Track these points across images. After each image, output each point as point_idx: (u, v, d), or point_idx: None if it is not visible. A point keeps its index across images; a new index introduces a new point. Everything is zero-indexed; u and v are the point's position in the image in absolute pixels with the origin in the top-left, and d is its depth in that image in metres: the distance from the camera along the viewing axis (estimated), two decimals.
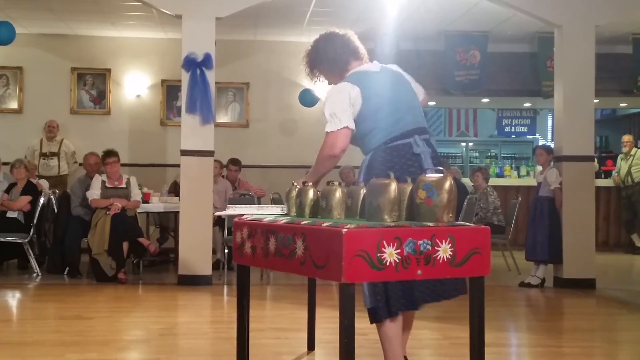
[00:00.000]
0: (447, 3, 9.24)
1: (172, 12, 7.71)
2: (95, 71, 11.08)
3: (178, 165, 7.81)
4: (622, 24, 9.90)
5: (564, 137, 7.74)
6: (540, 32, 10.64)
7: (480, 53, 11.09)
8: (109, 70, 11.08)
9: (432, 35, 10.84)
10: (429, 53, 11.10)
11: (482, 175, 9.22)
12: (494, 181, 10.74)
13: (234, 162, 9.62)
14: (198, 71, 7.52)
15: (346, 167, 9.34)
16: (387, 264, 2.83)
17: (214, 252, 8.22)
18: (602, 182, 11.63)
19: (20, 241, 8.08)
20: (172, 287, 7.45)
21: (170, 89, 11.06)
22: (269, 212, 4.03)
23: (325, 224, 2.96)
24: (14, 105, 11.00)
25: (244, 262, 3.66)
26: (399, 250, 2.84)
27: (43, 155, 10.28)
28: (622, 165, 11.50)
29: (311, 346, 4.39)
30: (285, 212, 3.78)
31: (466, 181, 9.98)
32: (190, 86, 7.53)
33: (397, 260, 2.84)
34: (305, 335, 4.42)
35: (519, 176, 13.14)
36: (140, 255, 8.04)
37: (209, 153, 7.60)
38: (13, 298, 7.00)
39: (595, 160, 11.37)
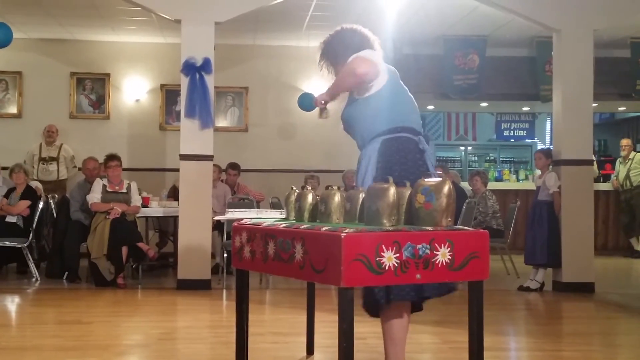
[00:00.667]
0: (446, 7, 9.26)
1: (171, 17, 7.72)
2: (95, 76, 11.09)
3: (177, 170, 7.81)
4: (620, 28, 9.92)
5: (563, 141, 7.74)
6: (538, 37, 10.66)
7: (479, 57, 11.11)
8: (108, 75, 11.09)
9: (430, 40, 10.86)
10: (428, 57, 11.12)
11: (481, 180, 9.22)
12: (492, 185, 10.75)
13: (233, 166, 9.62)
14: (197, 76, 7.53)
15: (350, 171, 9.34)
16: (386, 268, 2.83)
17: (213, 256, 8.23)
18: (601, 186, 11.63)
19: (19, 246, 8.07)
20: (171, 291, 7.45)
21: (169, 94, 11.07)
22: (268, 217, 4.04)
23: (324, 228, 2.96)
24: (13, 110, 11.00)
25: (243, 266, 3.66)
26: (397, 255, 2.85)
27: (42, 160, 10.29)
28: (620, 169, 11.51)
29: (310, 350, 4.39)
30: (284, 217, 3.79)
31: (465, 185, 9.98)
32: (189, 91, 7.54)
33: (396, 265, 2.85)
34: (304, 339, 4.42)
35: (518, 180, 13.15)
36: (139, 259, 8.03)
37: (208, 157, 7.60)
38: (12, 303, 7.00)
39: (596, 165, 11.40)
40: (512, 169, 15.04)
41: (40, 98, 10.95)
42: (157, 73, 11.12)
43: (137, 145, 11.01)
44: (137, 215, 8.17)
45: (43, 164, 10.26)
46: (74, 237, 8.04)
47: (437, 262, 2.93)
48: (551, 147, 10.76)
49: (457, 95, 11.35)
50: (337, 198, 3.31)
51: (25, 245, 8.07)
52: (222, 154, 9.36)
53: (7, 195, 8.40)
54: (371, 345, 4.71)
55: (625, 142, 11.62)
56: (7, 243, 8.08)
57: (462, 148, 16.92)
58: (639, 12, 8.27)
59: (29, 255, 8.14)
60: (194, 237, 7.51)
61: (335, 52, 3.77)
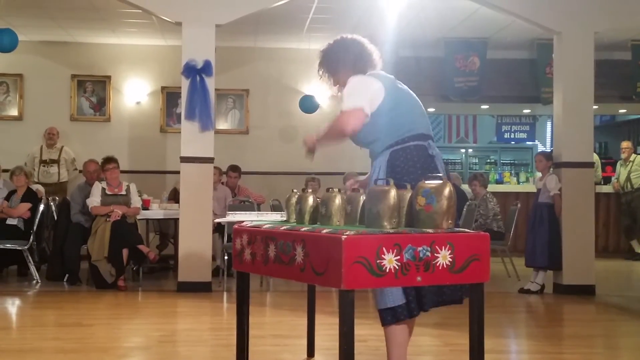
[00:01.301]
0: (447, 10, 9.26)
1: (172, 20, 7.72)
2: (95, 78, 11.10)
3: (178, 172, 7.81)
4: (621, 30, 9.92)
5: (564, 143, 7.74)
6: (539, 39, 10.67)
7: (480, 60, 11.11)
8: (109, 77, 11.10)
9: (431, 42, 10.87)
10: (429, 60, 11.13)
11: (480, 183, 9.22)
12: (493, 187, 10.75)
13: (234, 168, 9.62)
14: (198, 78, 7.53)
15: (350, 174, 9.32)
16: (387, 270, 2.83)
17: (214, 258, 8.22)
18: (602, 188, 11.64)
19: (20, 248, 8.08)
20: (171, 294, 7.45)
21: (170, 96, 11.08)
22: (268, 219, 4.04)
23: (324, 231, 2.96)
24: (14, 112, 11.01)
25: (243, 268, 3.66)
26: (398, 257, 2.85)
27: (43, 162, 10.29)
28: (621, 171, 11.51)
29: (311, 353, 4.39)
30: (284, 219, 3.79)
31: (466, 188, 9.98)
32: (189, 93, 7.54)
33: (397, 267, 2.85)
34: (305, 342, 4.42)
35: (519, 182, 13.15)
36: (139, 262, 8.03)
37: (209, 160, 7.60)
38: (12, 305, 7.00)
39: (600, 167, 11.40)
40: (512, 172, 15.04)
41: (41, 100, 10.96)
42: (158, 75, 11.13)
43: (137, 147, 11.01)
44: (138, 217, 8.18)
45: (44, 166, 10.26)
46: (75, 239, 8.04)
47: (437, 264, 2.93)
48: (552, 149, 10.75)
49: (458, 98, 11.35)
50: (337, 200, 3.31)
51: (25, 247, 8.07)
52: (222, 157, 9.35)
53: (7, 198, 8.40)
54: (372, 347, 4.71)
55: (625, 144, 11.62)
56: (8, 245, 8.08)
57: (463, 150, 16.92)
58: (639, 14, 8.26)
59: (30, 258, 8.14)
60: (195, 240, 7.51)
61: (335, 62, 3.76)
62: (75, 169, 10.40)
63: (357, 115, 3.49)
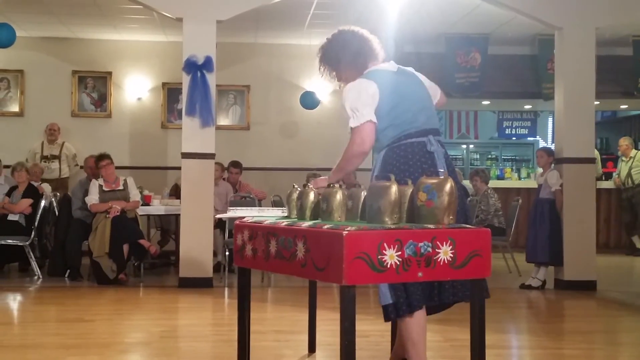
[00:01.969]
0: (448, 6, 9.25)
1: (172, 15, 7.72)
2: (96, 74, 11.09)
3: (179, 168, 7.82)
4: (622, 25, 9.91)
5: (565, 139, 7.74)
6: (540, 34, 10.65)
7: (481, 55, 11.10)
8: (109, 73, 11.10)
9: (432, 38, 10.85)
10: (430, 55, 11.11)
11: (481, 179, 9.22)
12: (494, 183, 10.74)
13: (235, 164, 9.62)
14: (199, 74, 7.52)
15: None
16: (388, 266, 2.83)
17: (215, 254, 8.23)
18: (603, 184, 11.63)
19: (21, 244, 8.08)
20: (173, 289, 7.46)
21: (171, 92, 11.08)
22: (269, 215, 4.04)
23: (326, 227, 2.97)
24: (15, 108, 11.01)
25: (244, 264, 3.66)
26: (399, 253, 2.85)
27: (44, 158, 10.30)
28: (622, 167, 11.50)
29: (312, 348, 4.39)
30: (286, 215, 3.79)
31: (467, 183, 9.97)
32: (190, 89, 7.53)
33: (398, 263, 2.85)
34: (306, 337, 4.42)
35: (520, 178, 13.14)
36: (141, 257, 8.04)
37: (210, 156, 7.60)
38: (14, 301, 7.01)
39: (600, 163, 11.39)
40: (514, 167, 15.03)
41: (42, 96, 10.96)
42: (159, 71, 11.12)
43: (138, 143, 11.02)
44: (139, 213, 8.18)
45: (45, 162, 10.26)
46: (76, 235, 8.05)
47: (439, 260, 2.93)
48: (553, 145, 10.75)
49: (459, 94, 11.33)
50: (338, 196, 3.31)
51: (27, 243, 8.07)
52: (224, 152, 9.36)
53: (9, 194, 8.41)
54: (373, 342, 4.71)
55: (622, 141, 11.60)
56: (9, 241, 8.09)
57: (464, 146, 16.89)
58: None
59: (31, 254, 8.15)
60: (196, 236, 7.52)
61: (335, 58, 3.75)
62: (76, 165, 10.42)
63: (369, 129, 3.51)
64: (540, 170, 8.25)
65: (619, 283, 8.73)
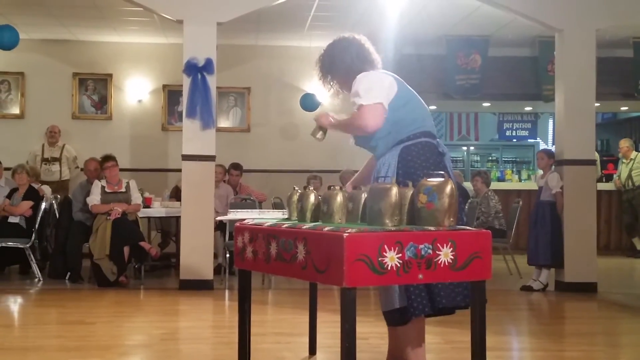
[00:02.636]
0: (448, 8, 9.26)
1: (173, 17, 7.72)
2: (97, 76, 11.10)
3: (179, 170, 7.82)
4: (622, 27, 9.91)
5: (565, 141, 7.74)
6: (541, 36, 10.65)
7: (481, 57, 11.10)
8: (110, 76, 11.10)
9: (433, 40, 10.86)
10: (430, 57, 11.12)
11: (482, 180, 9.22)
12: (495, 185, 10.74)
13: (235, 166, 9.63)
14: (199, 76, 7.53)
15: (347, 172, 9.32)
16: (389, 268, 2.83)
17: (216, 256, 8.23)
18: (603, 186, 11.62)
19: (21, 246, 8.08)
20: (173, 291, 7.45)
21: (171, 94, 11.08)
22: (270, 217, 4.04)
23: (326, 229, 2.97)
24: (15, 110, 11.02)
25: (245, 266, 3.66)
26: (400, 255, 2.85)
27: (45, 160, 10.30)
28: (622, 169, 11.50)
29: (312, 351, 4.39)
30: (286, 217, 3.79)
31: (467, 185, 9.97)
32: (191, 91, 7.54)
33: (399, 265, 2.85)
34: (306, 339, 4.42)
35: (520, 180, 13.14)
36: (141, 259, 8.04)
37: (210, 158, 7.60)
38: (15, 303, 7.00)
39: (599, 165, 11.38)
40: (514, 169, 15.04)
41: (43, 99, 10.96)
42: (159, 73, 11.13)
43: (139, 145, 11.02)
44: (140, 215, 8.18)
45: (45, 164, 10.26)
46: (77, 237, 8.05)
47: (439, 262, 2.93)
48: (553, 147, 10.75)
49: (460, 95, 11.34)
50: (339, 198, 3.31)
51: (27, 245, 8.07)
52: (224, 154, 9.36)
53: (9, 196, 8.41)
54: (373, 345, 4.71)
55: (622, 143, 11.61)
56: (10, 244, 8.09)
57: (465, 148, 16.92)
58: None
59: (32, 256, 8.15)
60: (196, 238, 7.52)
61: (334, 66, 3.74)
62: (77, 167, 10.42)
63: (378, 111, 3.46)
64: (540, 172, 8.25)
65: (619, 285, 8.72)
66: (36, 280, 8.07)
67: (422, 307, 3.40)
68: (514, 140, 15.87)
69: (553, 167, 7.87)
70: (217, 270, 8.22)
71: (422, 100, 3.72)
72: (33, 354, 4.65)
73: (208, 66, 7.55)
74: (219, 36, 7.80)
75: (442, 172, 3.27)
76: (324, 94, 10.73)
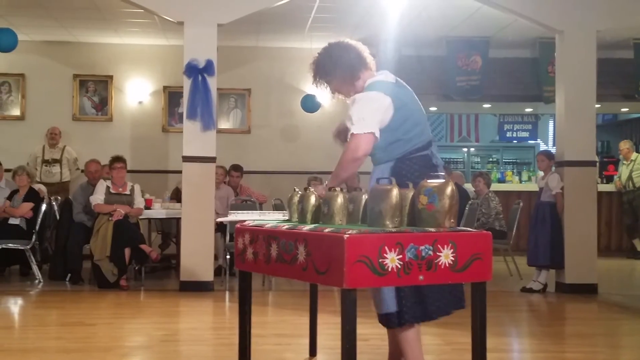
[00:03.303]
0: (449, 9, 9.26)
1: (174, 19, 7.72)
2: (97, 78, 11.10)
3: (180, 172, 7.82)
4: (623, 29, 9.91)
5: (566, 142, 7.74)
6: (541, 38, 10.65)
7: (482, 58, 11.10)
8: (110, 77, 11.11)
9: (433, 41, 10.86)
10: (431, 59, 11.12)
11: (484, 181, 9.22)
12: (495, 186, 10.74)
13: (236, 168, 9.63)
14: (200, 77, 7.53)
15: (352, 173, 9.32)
16: (389, 269, 2.83)
17: (216, 258, 8.23)
18: (604, 187, 11.62)
19: (22, 248, 8.08)
20: (174, 293, 7.45)
21: (172, 96, 11.09)
22: (270, 218, 4.04)
23: (327, 230, 2.96)
24: (16, 112, 11.02)
25: (245, 268, 3.66)
26: (400, 256, 2.85)
27: (45, 162, 10.30)
28: (623, 170, 11.50)
29: (313, 352, 4.39)
30: (287, 218, 3.79)
31: (468, 186, 9.97)
32: (191, 92, 7.54)
33: (399, 266, 2.85)
34: (307, 341, 4.42)
35: (521, 181, 13.13)
36: (142, 261, 8.04)
37: (211, 159, 7.61)
38: (15, 305, 7.00)
39: (597, 167, 11.36)
40: (514, 170, 15.02)
41: (43, 100, 10.97)
42: (160, 75, 11.13)
43: (139, 147, 11.02)
44: (140, 217, 8.19)
45: (46, 166, 10.27)
46: (77, 239, 8.05)
47: (440, 263, 2.93)
48: (554, 148, 10.74)
49: (460, 97, 11.34)
50: (339, 199, 3.31)
51: (28, 247, 8.07)
52: (224, 156, 9.36)
53: (10, 198, 8.41)
54: (374, 346, 4.71)
55: (623, 144, 11.61)
56: (10, 245, 8.09)
57: (465, 149, 16.90)
58: None
59: (32, 257, 8.15)
60: (197, 239, 7.52)
61: (326, 69, 3.72)
62: (78, 169, 10.41)
63: (368, 140, 3.48)
64: (541, 173, 8.26)
65: (620, 286, 8.72)
66: (36, 281, 8.07)
67: (413, 313, 3.41)
68: (515, 141, 15.85)
69: (553, 168, 7.87)
70: (218, 271, 8.22)
71: (417, 104, 3.70)
72: (33, 356, 4.65)
73: (208, 67, 7.55)
74: (220, 38, 7.80)
75: (442, 174, 3.27)
76: (325, 96, 10.75)
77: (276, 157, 11.15)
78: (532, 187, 11.10)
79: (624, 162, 11.50)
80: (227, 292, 7.58)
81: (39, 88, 11.00)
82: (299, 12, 9.25)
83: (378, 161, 3.66)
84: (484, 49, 11.07)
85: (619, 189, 11.58)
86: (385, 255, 2.82)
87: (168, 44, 10.99)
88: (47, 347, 4.89)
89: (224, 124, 11.07)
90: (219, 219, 7.82)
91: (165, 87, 11.13)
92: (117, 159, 8.12)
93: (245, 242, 3.60)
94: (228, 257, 7.96)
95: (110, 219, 7.71)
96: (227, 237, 8.01)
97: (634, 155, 11.40)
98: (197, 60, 7.55)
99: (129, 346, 5.12)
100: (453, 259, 2.95)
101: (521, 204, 9.04)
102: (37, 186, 8.85)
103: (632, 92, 11.45)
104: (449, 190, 3.01)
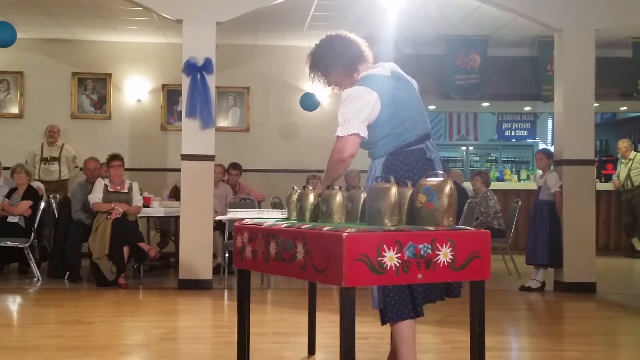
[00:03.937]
0: (447, 8, 9.25)
1: (172, 17, 7.72)
2: (96, 76, 11.09)
3: (179, 170, 7.82)
4: (622, 27, 9.92)
5: (564, 141, 7.74)
6: (540, 36, 10.65)
7: (481, 57, 11.10)
8: (109, 75, 11.10)
9: (432, 40, 10.86)
10: (429, 57, 11.12)
11: (482, 179, 9.22)
12: (494, 185, 10.74)
13: (235, 166, 9.63)
14: (198, 76, 7.53)
15: (352, 171, 9.35)
16: (388, 268, 2.83)
17: (215, 256, 8.23)
18: (603, 186, 11.63)
19: (20, 246, 8.08)
20: (172, 291, 7.45)
21: (170, 94, 11.08)
22: (269, 217, 4.04)
23: (325, 228, 2.97)
24: (14, 110, 11.01)
25: (244, 266, 3.66)
26: (399, 254, 2.85)
27: (44, 160, 10.29)
28: (621, 169, 11.51)
29: (312, 350, 4.39)
30: (285, 217, 3.79)
31: (467, 185, 9.97)
32: (190, 91, 7.54)
33: (398, 264, 2.85)
34: (305, 339, 4.42)
35: (519, 180, 13.15)
36: (140, 259, 8.04)
37: (210, 157, 7.60)
38: (14, 303, 7.00)
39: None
40: (513, 169, 15.04)
41: (42, 98, 10.96)
42: (159, 73, 11.12)
43: (138, 145, 11.01)
44: (139, 215, 8.18)
45: (45, 164, 10.26)
46: (76, 237, 8.05)
47: (438, 262, 2.93)
48: (552, 147, 10.75)
49: (459, 95, 11.34)
50: (338, 198, 3.31)
51: (26, 245, 8.07)
52: (223, 154, 9.36)
53: (8, 196, 8.41)
54: (373, 344, 4.71)
55: (621, 143, 11.61)
56: (9, 243, 8.09)
57: (464, 148, 16.92)
58: None
59: (31, 255, 8.15)
60: (196, 237, 7.52)
61: (323, 62, 3.72)
62: (76, 167, 10.41)
63: (353, 141, 3.50)
64: (539, 172, 8.26)
65: (618, 285, 8.73)
66: (35, 279, 8.07)
67: (396, 311, 3.39)
68: (513, 140, 15.87)
69: (552, 167, 7.88)
70: (216, 270, 8.22)
71: (414, 97, 3.68)
72: (31, 354, 4.65)
73: (207, 66, 7.55)
74: (218, 36, 7.80)
75: (441, 172, 3.27)
76: (324, 94, 10.75)
77: (275, 155, 11.15)
78: (531, 185, 11.11)
79: (623, 160, 11.51)
80: (225, 291, 7.58)
81: (37, 86, 10.99)
82: (298, 10, 9.24)
83: (373, 156, 3.66)
84: (482, 48, 11.07)
85: (617, 187, 11.59)
86: (384, 253, 2.82)
87: (167, 42, 10.99)
88: (46, 345, 4.88)
89: (222, 122, 11.07)
90: (218, 217, 7.80)
91: (164, 85, 11.13)
92: (115, 157, 8.11)
93: (244, 240, 3.60)
94: (227, 255, 7.96)
95: (108, 217, 7.71)
96: (226, 236, 8.01)
97: (632, 154, 11.40)
98: (195, 58, 7.55)
99: (128, 344, 5.11)
100: (452, 257, 2.95)
101: (520, 203, 9.05)
102: (35, 184, 8.85)
103: (631, 91, 11.46)
104: (447, 188, 3.01)
